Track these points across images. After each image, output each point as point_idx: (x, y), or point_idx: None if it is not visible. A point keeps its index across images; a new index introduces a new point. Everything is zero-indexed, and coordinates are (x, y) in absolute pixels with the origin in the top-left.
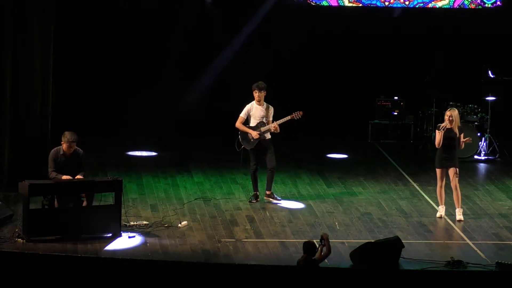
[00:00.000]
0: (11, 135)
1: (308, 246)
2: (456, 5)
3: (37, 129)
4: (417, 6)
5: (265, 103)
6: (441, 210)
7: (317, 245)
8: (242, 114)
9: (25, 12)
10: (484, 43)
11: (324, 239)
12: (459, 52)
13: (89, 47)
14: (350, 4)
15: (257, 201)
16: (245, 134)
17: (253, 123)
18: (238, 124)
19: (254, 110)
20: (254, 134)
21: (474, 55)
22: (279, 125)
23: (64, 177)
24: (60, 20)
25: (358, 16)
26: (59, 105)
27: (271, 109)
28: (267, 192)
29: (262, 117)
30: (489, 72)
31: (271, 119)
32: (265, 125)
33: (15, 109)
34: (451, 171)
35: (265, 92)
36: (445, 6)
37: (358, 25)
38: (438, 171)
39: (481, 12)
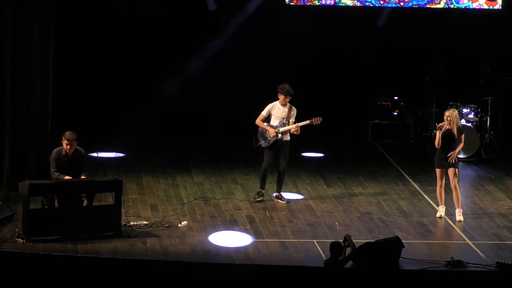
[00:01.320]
0: (11, 135)
1: (335, 247)
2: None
3: (37, 129)
4: (413, 7)
5: (288, 103)
6: (441, 210)
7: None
8: (263, 112)
9: (25, 12)
10: (484, 44)
11: (347, 240)
12: (459, 52)
13: (89, 47)
14: (350, 4)
15: (261, 198)
16: (264, 131)
17: (273, 122)
18: (258, 121)
19: (276, 110)
20: (272, 132)
21: (474, 55)
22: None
23: (66, 177)
24: (60, 20)
25: (358, 16)
26: (59, 105)
27: (294, 110)
28: (276, 194)
29: (283, 118)
30: (488, 70)
31: (293, 120)
32: (285, 126)
33: (15, 109)
34: (450, 171)
35: (291, 96)
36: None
37: (358, 25)
38: (437, 171)
39: (481, 12)
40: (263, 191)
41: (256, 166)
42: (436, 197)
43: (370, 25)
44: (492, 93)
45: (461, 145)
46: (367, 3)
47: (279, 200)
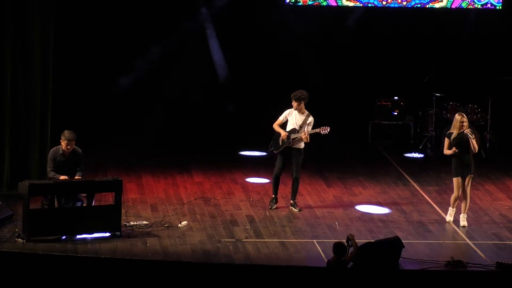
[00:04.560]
0: (11, 135)
1: (338, 247)
2: (454, 6)
3: (37, 129)
4: (415, 7)
5: (306, 111)
6: (451, 214)
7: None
8: (281, 117)
9: (25, 12)
10: (484, 43)
11: (350, 240)
12: (459, 52)
13: (89, 46)
14: (349, 4)
15: (276, 205)
16: (277, 136)
17: (288, 128)
18: (275, 125)
19: (292, 116)
20: (283, 134)
21: (474, 55)
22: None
23: (62, 177)
24: (60, 19)
25: (357, 16)
26: (59, 104)
27: (311, 119)
28: (291, 202)
29: (298, 125)
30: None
31: (309, 128)
32: (297, 133)
33: (15, 110)
34: (467, 179)
35: (299, 102)
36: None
37: (358, 25)
38: (455, 180)
39: (481, 12)
40: (276, 196)
41: (256, 166)
42: (437, 197)
43: (370, 25)
44: (492, 93)
45: (477, 146)
46: (369, 4)
47: (293, 208)
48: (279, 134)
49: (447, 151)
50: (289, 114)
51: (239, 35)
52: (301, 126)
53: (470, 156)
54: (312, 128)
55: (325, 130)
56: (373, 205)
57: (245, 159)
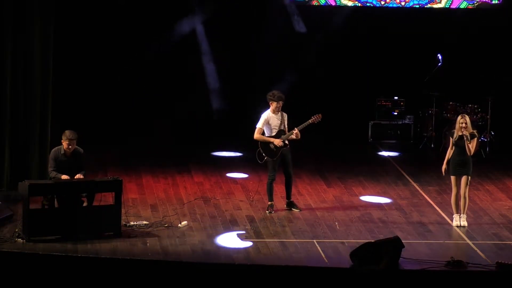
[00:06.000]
0: (11, 135)
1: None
2: (454, 6)
3: (37, 129)
4: (414, 7)
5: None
6: (456, 219)
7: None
8: (260, 125)
9: (25, 12)
10: (484, 42)
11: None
12: (458, 51)
13: (89, 46)
14: (347, 3)
15: (274, 211)
16: (267, 145)
17: (272, 132)
18: (257, 135)
19: (272, 119)
20: (278, 141)
21: (474, 54)
22: (300, 130)
23: (64, 177)
24: (60, 19)
25: (357, 16)
26: (59, 105)
27: (285, 116)
28: (287, 201)
29: (280, 126)
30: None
31: (286, 125)
32: (285, 133)
33: (15, 109)
34: (463, 179)
35: (282, 101)
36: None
37: (358, 25)
38: (452, 178)
39: (481, 11)
40: (273, 202)
41: (255, 165)
42: (437, 197)
43: (370, 25)
44: (492, 93)
45: (473, 149)
46: (368, 4)
47: (293, 209)
48: (266, 142)
49: (449, 150)
50: (268, 119)
51: (238, 34)
52: (284, 125)
53: (468, 157)
54: (304, 122)
55: (317, 118)
56: (376, 196)
57: (243, 158)
